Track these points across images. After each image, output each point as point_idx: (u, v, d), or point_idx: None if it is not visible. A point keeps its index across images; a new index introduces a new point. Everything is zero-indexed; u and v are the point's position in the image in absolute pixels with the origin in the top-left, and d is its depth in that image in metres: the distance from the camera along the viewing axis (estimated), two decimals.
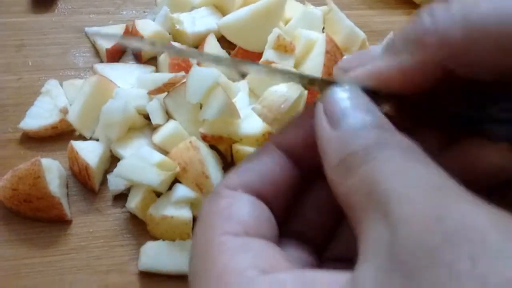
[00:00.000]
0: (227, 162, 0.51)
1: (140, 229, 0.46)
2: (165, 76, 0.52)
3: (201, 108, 0.50)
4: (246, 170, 0.24)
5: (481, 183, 0.24)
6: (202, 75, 0.49)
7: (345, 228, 0.26)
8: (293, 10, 0.62)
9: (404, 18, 0.70)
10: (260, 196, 0.24)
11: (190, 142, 0.46)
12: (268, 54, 0.53)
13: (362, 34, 0.57)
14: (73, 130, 0.52)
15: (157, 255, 0.43)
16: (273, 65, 0.52)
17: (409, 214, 0.17)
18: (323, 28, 0.59)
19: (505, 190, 0.25)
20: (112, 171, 0.48)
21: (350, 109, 0.22)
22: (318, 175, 0.24)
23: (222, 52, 0.58)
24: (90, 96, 0.50)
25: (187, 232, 0.44)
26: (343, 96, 0.23)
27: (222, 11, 0.62)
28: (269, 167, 0.24)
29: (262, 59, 0.53)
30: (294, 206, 0.26)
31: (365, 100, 0.23)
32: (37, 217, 0.45)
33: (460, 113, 0.25)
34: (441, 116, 0.26)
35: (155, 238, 0.45)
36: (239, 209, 0.23)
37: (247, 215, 0.23)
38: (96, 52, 0.60)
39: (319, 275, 0.20)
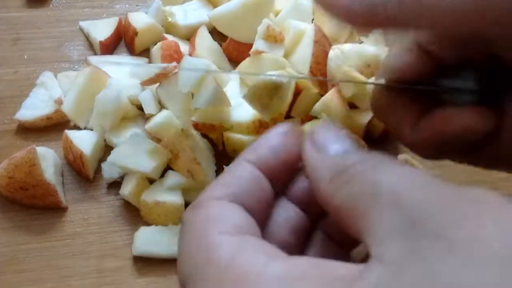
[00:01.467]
0: (219, 150, 0.52)
1: (134, 215, 0.47)
2: (157, 66, 0.53)
3: (192, 97, 0.51)
4: (229, 184, 0.26)
5: (456, 145, 0.31)
6: (193, 65, 0.50)
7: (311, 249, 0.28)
8: (283, 2, 0.63)
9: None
10: (245, 207, 0.25)
11: (182, 129, 0.48)
12: (258, 44, 0.54)
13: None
14: (68, 121, 0.53)
15: (151, 240, 0.44)
16: (263, 55, 0.53)
17: (420, 198, 0.20)
18: (313, 19, 0.60)
19: (477, 150, 0.31)
20: (106, 160, 0.49)
21: (332, 139, 0.26)
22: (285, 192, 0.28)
23: (214, 44, 0.59)
24: (84, 87, 0.51)
25: (179, 217, 0.45)
26: (326, 130, 0.26)
27: (213, 3, 0.63)
28: (250, 181, 0.26)
29: (252, 49, 0.54)
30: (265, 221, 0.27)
31: (342, 133, 0.26)
32: (33, 205, 0.46)
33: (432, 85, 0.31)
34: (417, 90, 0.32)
35: (148, 223, 0.46)
36: (231, 214, 0.24)
37: (240, 218, 0.24)
38: (90, 45, 0.61)
39: (329, 261, 0.22)
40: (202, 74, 0.49)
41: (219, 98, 0.48)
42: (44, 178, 0.45)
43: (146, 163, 0.45)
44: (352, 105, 0.53)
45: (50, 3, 0.65)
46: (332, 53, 0.53)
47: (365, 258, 0.42)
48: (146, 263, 0.44)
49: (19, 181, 0.45)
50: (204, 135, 0.51)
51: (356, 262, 0.37)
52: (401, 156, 0.52)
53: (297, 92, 0.52)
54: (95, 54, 0.59)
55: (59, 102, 0.52)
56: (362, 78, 0.51)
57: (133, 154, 0.46)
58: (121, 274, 0.43)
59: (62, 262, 0.44)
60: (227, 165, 0.48)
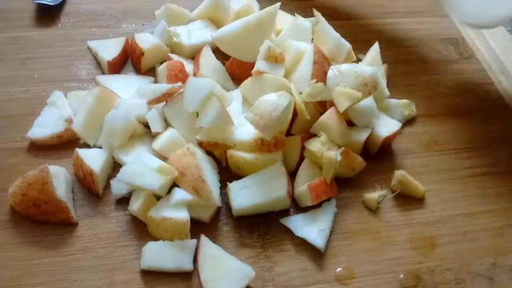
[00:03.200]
0: (222, 166, 0.54)
1: (141, 230, 0.49)
2: (163, 86, 0.55)
3: (197, 116, 0.53)
4: None
5: None
6: (198, 85, 0.52)
7: None
8: (283, 22, 0.66)
9: (389, 27, 0.74)
10: None
11: (187, 148, 0.50)
12: (260, 65, 0.56)
13: (348, 45, 0.60)
14: (78, 139, 0.55)
15: (158, 254, 0.46)
16: (264, 75, 0.56)
17: None
18: (312, 39, 0.63)
19: None
20: (115, 176, 0.51)
21: None
22: None
23: (217, 63, 0.62)
24: (93, 106, 0.54)
25: (185, 232, 0.47)
26: None
27: (216, 23, 0.66)
28: None
29: (254, 69, 0.57)
30: None
31: None
32: (45, 221, 0.48)
33: None
34: None
35: (155, 238, 0.48)
36: None
37: None
38: (98, 64, 0.63)
39: None
40: (207, 94, 0.51)
41: (223, 118, 0.51)
42: (56, 195, 0.47)
43: (154, 181, 0.47)
44: (350, 123, 0.55)
45: (59, 23, 0.68)
46: (330, 72, 0.55)
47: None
48: (154, 277, 0.46)
49: (32, 198, 0.47)
50: (208, 152, 0.54)
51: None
52: (398, 173, 0.55)
53: (296, 111, 0.54)
54: (103, 73, 0.62)
55: (69, 120, 0.54)
56: (357, 94, 0.53)
57: (141, 172, 0.48)
58: (131, 287, 0.45)
59: (73, 276, 0.46)
60: (230, 181, 0.51)
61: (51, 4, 0.68)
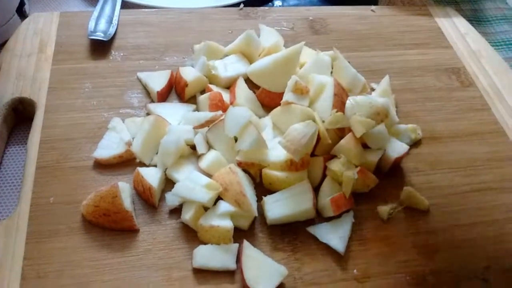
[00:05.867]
0: (256, 182, 0.64)
1: (192, 235, 0.59)
2: (207, 114, 0.65)
3: (235, 140, 0.63)
4: None
5: None
6: (238, 114, 0.62)
7: None
8: (306, 56, 0.76)
9: (398, 58, 0.84)
10: None
11: (230, 167, 0.60)
12: (288, 96, 0.66)
13: (363, 79, 0.70)
14: (134, 158, 0.65)
15: (207, 256, 0.56)
16: (292, 105, 0.66)
17: None
18: (331, 72, 0.73)
19: None
20: (165, 190, 0.61)
21: None
22: None
23: (250, 93, 0.72)
24: (149, 132, 0.64)
25: (229, 237, 0.57)
26: None
27: (248, 57, 0.76)
28: None
29: (283, 100, 0.67)
30: None
31: None
32: (112, 228, 0.58)
33: None
34: None
35: (203, 242, 0.58)
36: None
37: None
38: (147, 93, 0.73)
39: None
40: (245, 122, 0.61)
41: (259, 143, 0.61)
42: (124, 207, 0.57)
43: (203, 195, 0.57)
44: (365, 146, 0.64)
45: (110, 56, 0.78)
46: (348, 103, 0.65)
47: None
48: (204, 274, 0.56)
49: (103, 209, 0.57)
50: (244, 170, 0.63)
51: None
52: (406, 189, 0.64)
53: (320, 136, 0.64)
54: (152, 101, 0.72)
55: (129, 143, 0.64)
56: (371, 122, 0.63)
57: (192, 188, 0.58)
58: (185, 283, 0.55)
59: (138, 273, 0.55)
60: (264, 195, 0.60)
61: (103, 39, 0.78)
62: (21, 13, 0.86)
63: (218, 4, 0.92)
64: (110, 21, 0.81)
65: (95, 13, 0.81)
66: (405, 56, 0.84)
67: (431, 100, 0.78)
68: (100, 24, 0.80)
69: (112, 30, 0.79)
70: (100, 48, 0.78)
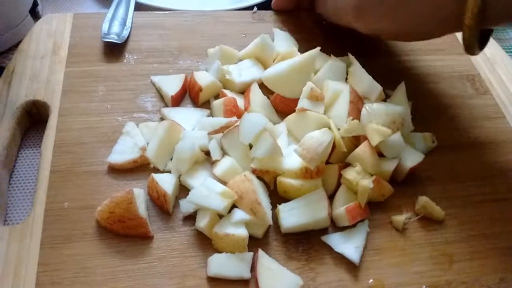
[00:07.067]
0: (270, 189, 0.64)
1: (206, 243, 0.58)
2: (222, 120, 0.65)
3: (249, 147, 0.63)
4: None
5: None
6: (253, 121, 0.62)
7: None
8: (320, 62, 0.75)
9: (413, 64, 0.83)
10: None
11: (245, 175, 0.59)
12: (303, 103, 0.66)
13: (379, 87, 0.69)
14: (148, 164, 0.64)
15: (221, 264, 0.56)
16: (307, 112, 0.65)
17: None
18: (346, 78, 0.72)
19: None
20: (179, 196, 0.61)
21: None
22: None
23: (264, 99, 0.71)
24: (163, 137, 0.63)
25: (244, 246, 0.56)
26: None
27: (262, 62, 0.76)
28: None
29: (298, 107, 0.66)
30: None
31: None
32: (126, 234, 0.58)
33: None
34: None
35: (218, 251, 0.58)
36: None
37: None
38: (161, 97, 0.73)
39: None
40: (261, 129, 0.61)
41: (275, 150, 0.60)
42: (139, 213, 0.57)
43: (218, 203, 0.57)
44: (380, 154, 0.64)
45: (124, 59, 0.78)
46: (364, 111, 0.65)
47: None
48: (218, 282, 0.55)
49: (118, 215, 0.57)
50: (258, 177, 0.63)
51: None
52: (422, 198, 0.64)
53: (335, 144, 0.63)
54: (166, 105, 0.71)
55: (143, 149, 0.64)
56: (387, 131, 0.62)
57: (207, 195, 0.57)
58: None
59: (152, 281, 0.55)
60: (278, 203, 0.60)
61: (117, 42, 0.78)
62: (34, 14, 0.86)
63: (231, 7, 0.91)
64: (123, 24, 0.80)
65: (109, 15, 0.81)
66: (419, 62, 0.83)
67: (446, 107, 0.77)
68: (113, 26, 0.79)
69: (125, 33, 0.79)
70: (114, 50, 0.78)
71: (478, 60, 0.85)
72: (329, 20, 0.80)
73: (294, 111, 0.67)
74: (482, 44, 0.63)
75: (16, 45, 0.80)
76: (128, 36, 0.80)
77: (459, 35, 0.88)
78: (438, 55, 0.85)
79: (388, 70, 0.81)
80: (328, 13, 0.78)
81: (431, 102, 0.78)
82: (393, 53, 0.84)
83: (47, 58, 0.75)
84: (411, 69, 0.82)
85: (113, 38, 0.78)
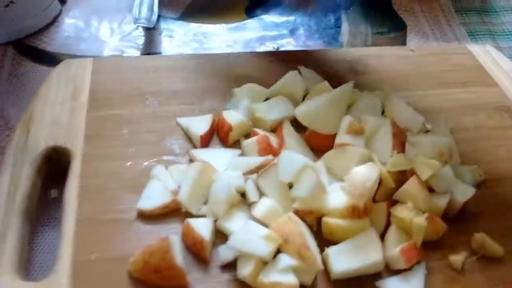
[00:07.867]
0: (313, 231, 0.59)
1: None
2: (257, 159, 0.61)
3: (289, 186, 0.59)
4: None
5: None
6: (292, 158, 0.58)
7: None
8: (352, 97, 0.72)
9: (444, 97, 0.80)
10: None
11: (289, 216, 0.55)
12: (342, 138, 0.62)
13: (421, 118, 0.66)
14: (179, 208, 0.60)
15: None
16: (348, 147, 0.61)
17: None
18: (383, 112, 0.69)
19: None
20: (216, 242, 0.56)
21: None
22: None
23: (297, 136, 0.67)
24: (196, 179, 0.59)
25: None
26: None
27: (292, 99, 0.72)
28: None
29: (337, 142, 0.63)
30: None
31: None
32: (160, 285, 0.52)
33: None
34: None
35: None
36: None
37: None
38: (188, 138, 0.69)
39: None
40: (301, 166, 0.57)
41: (319, 187, 0.56)
42: (176, 262, 0.51)
43: (262, 248, 0.52)
44: (430, 189, 0.60)
45: (146, 101, 0.74)
46: (408, 144, 0.61)
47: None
48: None
49: (153, 265, 0.51)
50: (300, 219, 0.58)
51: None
52: (478, 235, 0.59)
53: (381, 180, 0.59)
54: (194, 146, 0.68)
55: (175, 193, 0.59)
56: (437, 164, 0.58)
57: (249, 240, 0.53)
58: None
59: None
60: (327, 246, 0.55)
61: (149, 26, 0.81)
62: None
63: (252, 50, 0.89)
64: (151, 9, 0.85)
65: (137, 1, 0.86)
66: (452, 95, 0.81)
67: (486, 139, 0.74)
68: (142, 11, 0.84)
69: (154, 18, 0.84)
70: (135, 93, 0.75)
71: (510, 90, 0.83)
72: None
73: (329, 147, 0.64)
74: None
75: (44, 27, 0.86)
76: (148, 78, 0.77)
77: (487, 66, 0.86)
78: (469, 87, 0.83)
79: (420, 104, 0.77)
80: None
81: (470, 134, 0.74)
82: (422, 87, 0.81)
83: (67, 104, 0.72)
84: (443, 102, 0.79)
85: (144, 23, 0.82)
